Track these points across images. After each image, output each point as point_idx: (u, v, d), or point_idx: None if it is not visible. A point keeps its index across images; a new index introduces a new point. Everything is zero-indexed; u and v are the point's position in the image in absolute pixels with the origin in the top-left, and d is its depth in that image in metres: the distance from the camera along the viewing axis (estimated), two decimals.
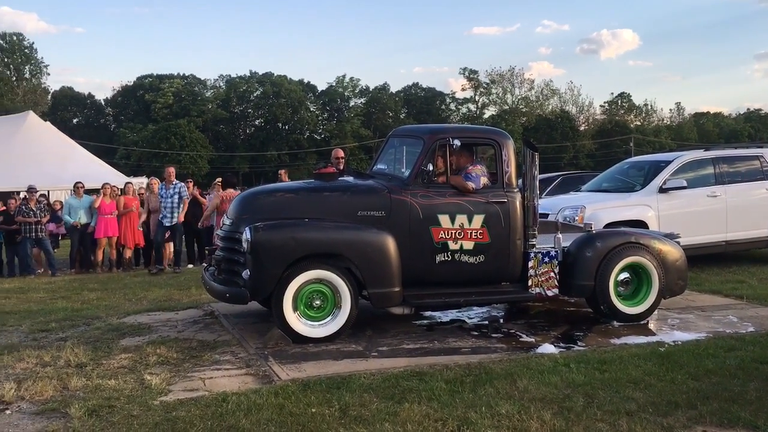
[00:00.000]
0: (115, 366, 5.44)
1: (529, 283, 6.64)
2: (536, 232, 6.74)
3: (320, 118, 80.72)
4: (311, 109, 79.19)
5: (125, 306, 8.39)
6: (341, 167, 8.93)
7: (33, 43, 77.96)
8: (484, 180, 6.67)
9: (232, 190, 11.84)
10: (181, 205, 12.38)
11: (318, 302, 6.07)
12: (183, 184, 12.89)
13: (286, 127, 76.48)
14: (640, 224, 9.16)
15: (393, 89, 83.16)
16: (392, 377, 4.98)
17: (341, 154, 9.88)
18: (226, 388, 4.80)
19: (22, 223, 12.66)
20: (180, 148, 65.19)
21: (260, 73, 77.31)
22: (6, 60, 74.65)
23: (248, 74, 77.69)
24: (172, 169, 12.99)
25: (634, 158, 13.51)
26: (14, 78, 74.46)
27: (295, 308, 6.01)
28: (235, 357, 5.69)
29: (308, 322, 6.06)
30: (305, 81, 79.89)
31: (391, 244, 6.18)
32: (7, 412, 4.44)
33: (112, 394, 4.68)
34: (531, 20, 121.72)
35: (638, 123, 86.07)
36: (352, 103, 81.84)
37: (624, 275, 6.85)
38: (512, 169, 6.69)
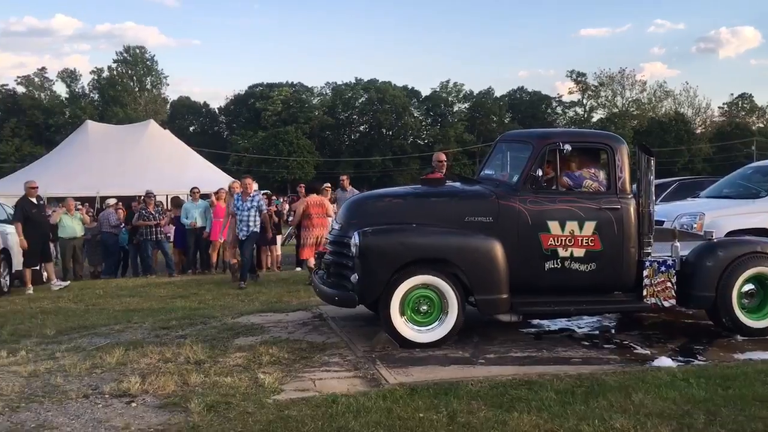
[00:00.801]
0: (230, 364, 5.66)
1: (644, 292, 6.39)
2: (652, 240, 6.47)
3: (424, 123, 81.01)
4: (415, 115, 79.62)
5: (238, 306, 8.72)
6: (443, 171, 8.89)
7: (154, 55, 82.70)
8: (595, 185, 6.48)
9: (315, 196, 11.64)
10: (258, 218, 11.33)
11: (425, 307, 6.08)
12: (261, 196, 12.36)
13: (390, 132, 77.26)
14: (766, 233, 8.59)
15: (497, 93, 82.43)
16: (500, 385, 4.91)
17: (443, 157, 9.73)
18: (336, 390, 4.89)
19: (141, 226, 13.44)
20: (288, 154, 67.21)
21: (365, 80, 78.53)
22: (130, 72, 79.61)
23: (353, 81, 79.13)
24: (250, 180, 11.80)
25: (758, 162, 12.70)
26: (137, 89, 79.29)
27: (402, 313, 6.05)
28: (343, 359, 5.79)
29: (415, 326, 6.08)
30: (409, 87, 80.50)
31: (498, 250, 6.10)
32: (133, 404, 4.71)
33: (229, 391, 4.87)
34: (643, 20, 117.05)
35: (761, 125, 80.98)
36: (455, 108, 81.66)
37: (749, 287, 6.46)
38: (626, 175, 6.47)
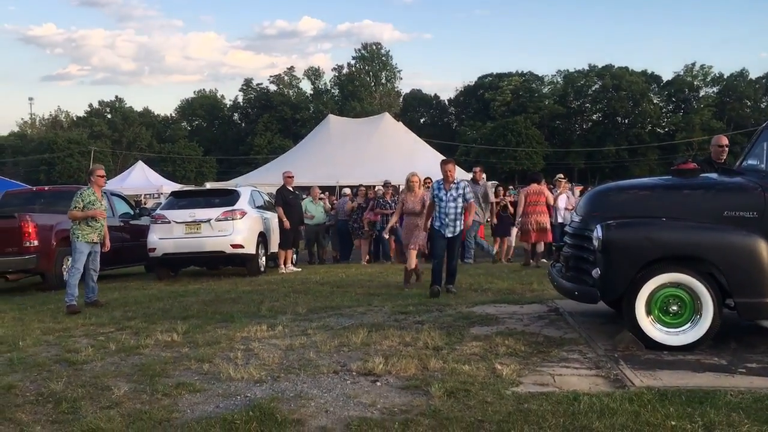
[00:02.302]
0: (467, 352, 5.71)
1: None
2: None
3: (664, 110, 75.62)
4: (654, 101, 74.63)
5: (472, 296, 8.81)
6: (724, 157, 7.82)
7: (389, 51, 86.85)
8: None
9: (536, 185, 13.17)
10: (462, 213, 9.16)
11: (675, 308, 5.65)
12: (466, 182, 9.88)
13: (626, 121, 73.29)
14: None
15: (752, 75, 74.30)
16: (765, 398, 4.40)
17: (725, 141, 8.13)
18: (577, 387, 4.72)
19: (380, 215, 14.13)
20: (516, 144, 66.59)
21: (599, 66, 75.13)
22: (366, 68, 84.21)
23: (587, 68, 76.12)
24: (452, 166, 9.37)
25: None
26: (373, 83, 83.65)
27: (649, 312, 5.67)
28: (583, 356, 5.58)
29: (663, 328, 5.67)
30: (648, 71, 75.52)
31: (764, 248, 5.48)
32: (378, 383, 4.95)
33: (467, 378, 4.92)
34: None
35: None
36: (702, 93, 75.18)
37: None
38: None
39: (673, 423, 4.03)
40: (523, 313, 7.40)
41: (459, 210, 9.05)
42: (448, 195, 9.08)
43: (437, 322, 6.94)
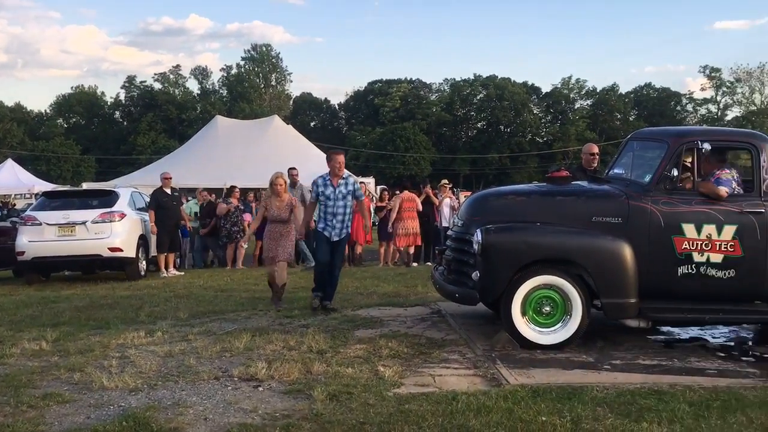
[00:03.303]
0: (351, 355, 5.75)
1: None
2: None
3: (543, 120, 79.18)
4: (534, 112, 77.98)
5: (357, 299, 8.86)
6: (595, 165, 8.12)
7: (279, 53, 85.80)
8: (735, 185, 6.09)
9: (408, 192, 14.02)
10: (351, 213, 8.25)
11: (548, 308, 5.93)
12: (356, 179, 9.21)
13: (508, 129, 76.08)
14: None
15: (622, 90, 79.19)
16: (628, 393, 4.71)
17: (595, 149, 8.34)
18: (456, 387, 4.86)
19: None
20: (405, 150, 67.66)
21: (484, 76, 77.68)
22: (256, 69, 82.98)
23: (472, 77, 78.46)
24: (342, 157, 8.12)
25: None
26: (262, 85, 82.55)
27: (524, 313, 5.93)
28: (462, 357, 5.75)
29: (537, 327, 5.94)
30: (529, 83, 78.88)
31: (627, 252, 5.86)
32: (260, 388, 4.89)
33: (350, 381, 4.95)
34: None
35: None
36: (577, 105, 79.23)
37: None
38: None
39: (544, 418, 4.23)
40: (407, 316, 7.53)
41: (348, 210, 7.95)
42: (337, 192, 7.87)
43: (322, 326, 6.94)
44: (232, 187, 15.57)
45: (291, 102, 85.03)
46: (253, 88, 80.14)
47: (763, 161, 6.03)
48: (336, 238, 7.96)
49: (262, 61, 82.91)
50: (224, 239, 14.28)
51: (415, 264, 14.00)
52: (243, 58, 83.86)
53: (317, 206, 8.27)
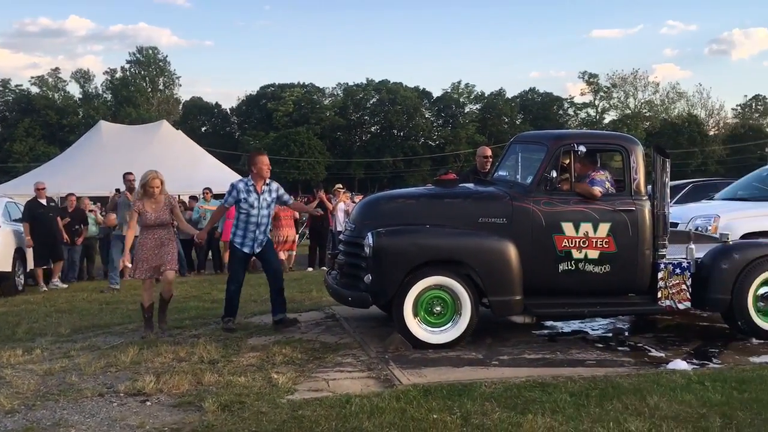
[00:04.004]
0: (244, 364, 5.67)
1: (659, 295, 6.35)
2: (666, 242, 6.44)
3: (435, 124, 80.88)
4: (426, 116, 79.50)
5: (251, 306, 8.73)
6: (488, 167, 8.29)
7: (167, 56, 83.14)
8: (608, 185, 6.47)
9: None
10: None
11: (438, 308, 6.08)
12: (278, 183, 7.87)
13: (401, 133, 77.17)
14: None
15: (509, 94, 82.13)
16: (514, 387, 4.90)
17: (489, 152, 8.57)
18: (349, 390, 4.89)
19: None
20: (299, 154, 67.26)
21: (376, 81, 78.49)
22: (143, 73, 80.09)
23: (365, 82, 79.09)
24: (267, 159, 7.34)
25: None
26: (149, 89, 79.73)
27: (416, 314, 6.05)
28: (356, 360, 5.80)
29: (428, 327, 6.08)
30: (420, 88, 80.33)
31: (512, 251, 6.09)
32: (148, 403, 4.73)
33: (243, 390, 4.88)
34: (655, 21, 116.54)
35: None
36: (467, 109, 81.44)
37: (764, 289, 6.41)
38: (641, 176, 6.44)
39: (435, 416, 4.33)
40: (302, 321, 7.49)
41: (270, 219, 7.33)
42: (261, 200, 7.10)
43: (214, 335, 6.80)
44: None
45: (180, 106, 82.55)
46: (139, 92, 77.23)
47: (633, 162, 6.44)
48: (258, 249, 7.19)
49: (149, 65, 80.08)
50: None
51: (310, 269, 14.00)
52: (128, 61, 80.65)
53: (237, 216, 7.20)
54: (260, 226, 7.10)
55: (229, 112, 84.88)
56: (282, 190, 7.36)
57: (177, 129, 35.83)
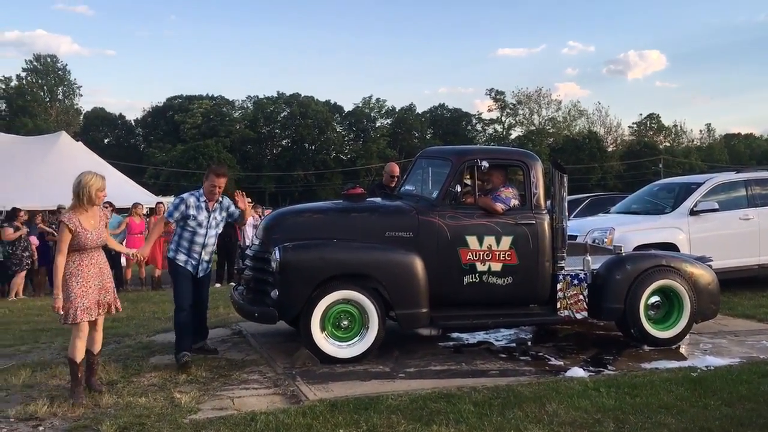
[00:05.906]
0: (145, 384, 5.49)
1: (558, 305, 6.59)
2: (565, 254, 6.70)
3: (346, 138, 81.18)
4: (337, 130, 79.71)
5: (155, 324, 8.47)
6: (393, 184, 8.36)
7: (66, 65, 79.76)
8: (514, 202, 6.66)
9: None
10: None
11: (346, 323, 6.09)
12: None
13: (313, 147, 77.01)
14: (671, 247, 9.04)
15: (419, 110, 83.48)
16: (420, 399, 4.96)
17: (397, 171, 8.56)
18: (255, 408, 4.82)
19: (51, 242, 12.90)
20: (208, 167, 66.01)
21: (287, 94, 78.11)
22: (40, 81, 76.47)
23: (275, 95, 78.55)
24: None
25: (664, 180, 13.37)
26: (48, 99, 76.18)
27: (323, 328, 6.04)
28: (263, 376, 5.72)
29: (336, 342, 6.07)
30: (332, 102, 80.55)
31: (418, 264, 6.18)
32: (40, 428, 4.51)
33: (143, 411, 4.73)
34: (557, 41, 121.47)
35: (668, 144, 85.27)
36: (378, 124, 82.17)
37: (655, 299, 6.77)
38: (540, 191, 6.68)
39: (341, 431, 4.33)
40: (207, 338, 7.30)
41: (216, 240, 6.55)
42: (211, 219, 6.38)
43: (113, 355, 6.54)
44: (15, 210, 14.15)
45: (81, 117, 79.32)
46: (36, 101, 73.60)
47: (533, 177, 6.68)
48: (202, 274, 6.42)
49: (47, 73, 76.54)
50: (15, 267, 12.87)
51: (218, 285, 13.66)
52: (24, 69, 76.71)
53: (179, 232, 6.36)
54: (206, 247, 6.36)
55: (133, 123, 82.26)
56: (233, 207, 6.57)
57: (77, 140, 34.38)
